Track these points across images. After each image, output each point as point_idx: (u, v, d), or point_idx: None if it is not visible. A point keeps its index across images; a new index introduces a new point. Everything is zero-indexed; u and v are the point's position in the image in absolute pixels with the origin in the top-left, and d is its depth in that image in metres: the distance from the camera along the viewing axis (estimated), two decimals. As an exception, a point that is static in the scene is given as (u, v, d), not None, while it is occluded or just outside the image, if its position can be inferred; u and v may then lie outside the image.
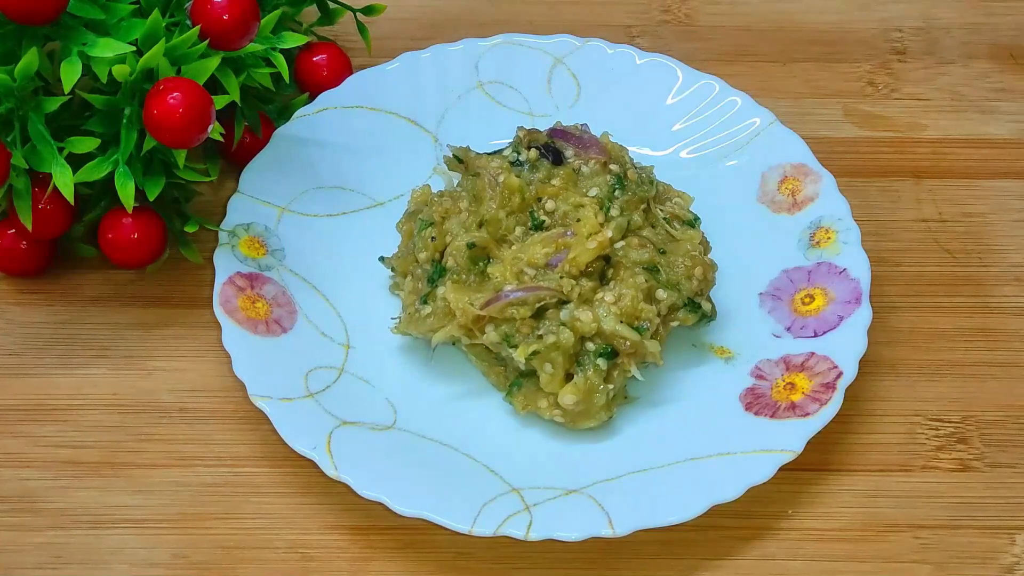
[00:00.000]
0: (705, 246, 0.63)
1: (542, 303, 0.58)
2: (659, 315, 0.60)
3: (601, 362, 0.58)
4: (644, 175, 0.63)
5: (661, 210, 0.63)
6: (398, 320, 0.61)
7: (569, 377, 0.58)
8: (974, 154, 0.71)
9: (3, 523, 0.57)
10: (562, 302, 0.59)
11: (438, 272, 0.61)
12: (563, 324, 0.58)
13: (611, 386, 0.58)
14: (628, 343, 0.58)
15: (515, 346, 0.58)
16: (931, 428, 0.60)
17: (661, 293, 0.60)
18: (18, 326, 0.64)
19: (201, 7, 0.60)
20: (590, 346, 0.58)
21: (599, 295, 0.59)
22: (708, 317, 0.61)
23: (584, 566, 0.56)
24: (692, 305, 0.61)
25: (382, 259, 0.64)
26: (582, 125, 0.65)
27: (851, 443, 0.60)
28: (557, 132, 0.64)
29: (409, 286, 0.62)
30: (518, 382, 0.59)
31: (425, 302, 0.60)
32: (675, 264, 0.61)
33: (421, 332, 0.60)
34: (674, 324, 0.61)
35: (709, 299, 0.61)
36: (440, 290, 0.60)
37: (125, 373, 0.62)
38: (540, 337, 0.58)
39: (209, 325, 0.62)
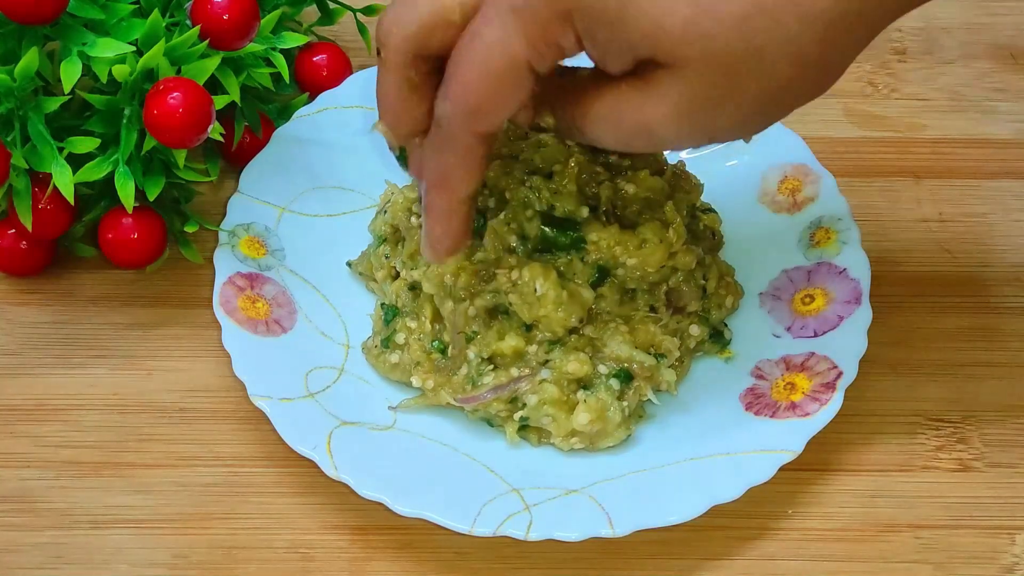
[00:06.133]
0: (728, 268, 0.62)
1: (517, 392, 0.58)
2: (688, 348, 0.60)
3: (614, 382, 0.57)
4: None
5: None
6: (369, 342, 0.61)
7: (574, 405, 0.57)
8: (974, 154, 0.71)
9: (3, 523, 0.57)
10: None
11: (392, 312, 0.60)
12: (544, 381, 0.57)
13: (625, 403, 0.57)
14: (644, 367, 0.58)
15: (500, 426, 0.58)
16: (931, 428, 0.60)
17: (695, 329, 0.60)
18: (18, 326, 0.64)
19: (201, 7, 0.60)
20: (602, 369, 0.58)
21: (612, 325, 0.58)
22: (727, 343, 0.61)
23: (584, 566, 0.56)
24: (717, 335, 0.61)
25: (349, 264, 0.64)
26: None
27: (851, 443, 0.60)
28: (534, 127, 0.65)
29: (377, 311, 0.62)
30: (526, 425, 0.58)
31: (387, 346, 0.60)
32: (711, 291, 0.60)
33: (387, 376, 0.60)
34: (698, 355, 0.61)
35: (726, 324, 0.62)
36: (399, 337, 0.59)
37: (125, 373, 0.62)
38: (524, 406, 0.57)
39: (209, 325, 0.62)
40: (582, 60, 0.50)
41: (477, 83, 0.48)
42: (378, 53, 0.51)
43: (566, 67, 0.52)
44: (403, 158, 0.56)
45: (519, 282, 0.56)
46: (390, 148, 0.58)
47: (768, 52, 0.46)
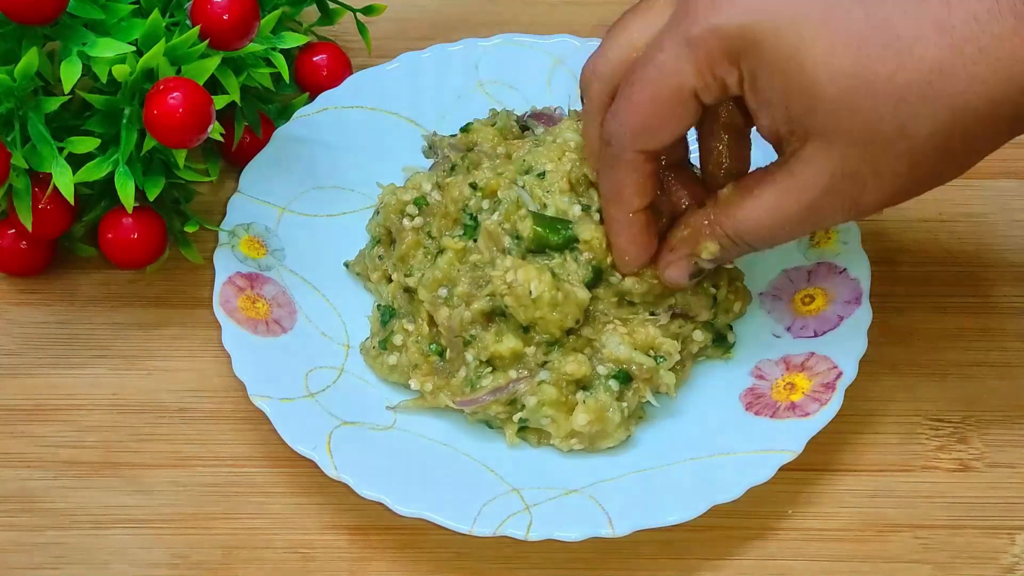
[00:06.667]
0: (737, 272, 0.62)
1: (516, 394, 0.57)
2: (690, 353, 0.60)
3: (613, 383, 0.57)
4: None
5: None
6: (367, 343, 0.61)
7: (573, 406, 0.57)
8: (974, 154, 0.71)
9: (3, 523, 0.57)
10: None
11: (388, 313, 0.60)
12: (542, 383, 0.57)
13: (624, 404, 0.57)
14: (643, 368, 0.57)
15: (499, 428, 0.58)
16: (931, 428, 0.60)
17: (698, 335, 0.60)
18: (18, 326, 0.64)
19: (201, 7, 0.60)
20: (602, 370, 0.58)
21: (611, 326, 0.58)
22: (730, 346, 0.61)
23: (584, 566, 0.56)
24: (720, 339, 0.61)
25: (346, 264, 0.64)
26: (556, 108, 0.65)
27: (851, 443, 0.60)
28: (534, 115, 0.65)
29: (374, 313, 0.62)
30: (526, 426, 0.58)
31: (385, 347, 0.60)
32: (721, 299, 0.60)
33: (385, 377, 0.60)
34: (700, 360, 0.61)
35: (731, 327, 0.62)
36: (397, 339, 0.59)
37: (125, 373, 0.62)
38: (522, 407, 0.57)
39: (209, 325, 0.62)
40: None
41: (646, 104, 0.51)
42: (582, 100, 0.56)
43: (706, 202, 0.55)
44: None
45: (514, 284, 0.56)
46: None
47: (917, 138, 0.48)
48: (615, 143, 0.53)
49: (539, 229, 0.57)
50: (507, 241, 0.58)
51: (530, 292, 0.56)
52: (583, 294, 0.57)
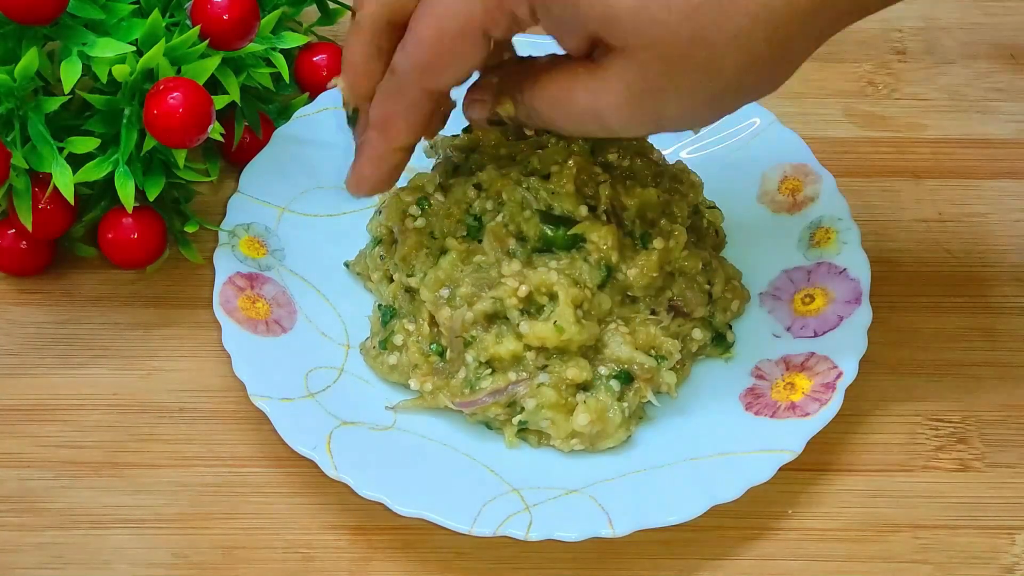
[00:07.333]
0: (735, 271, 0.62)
1: (515, 396, 0.57)
2: (689, 352, 0.60)
3: (614, 383, 0.57)
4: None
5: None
6: (367, 343, 0.61)
7: (573, 408, 0.57)
8: (974, 154, 0.71)
9: (3, 523, 0.57)
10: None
11: (389, 313, 0.60)
12: (542, 385, 0.57)
13: (625, 404, 0.57)
14: (644, 368, 0.57)
15: (498, 429, 0.58)
16: (931, 428, 0.60)
17: (697, 333, 0.60)
18: (18, 326, 0.64)
19: (201, 7, 0.60)
20: (603, 370, 0.58)
21: (612, 326, 0.58)
22: (729, 345, 0.61)
23: (584, 566, 0.56)
24: (719, 338, 0.61)
25: (347, 264, 0.64)
26: None
27: (851, 443, 0.60)
28: None
29: (374, 312, 0.62)
30: (526, 427, 0.58)
31: (385, 347, 0.60)
32: (717, 295, 0.60)
33: (385, 377, 0.60)
34: (700, 358, 0.61)
35: (730, 326, 0.62)
36: (397, 339, 0.59)
37: (125, 373, 0.62)
38: (522, 409, 0.57)
39: (209, 325, 0.62)
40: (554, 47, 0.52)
41: (432, 40, 0.50)
42: (352, 14, 0.54)
43: (526, 56, 0.54)
44: (354, 118, 0.58)
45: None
46: (343, 105, 0.59)
47: (716, 45, 0.47)
48: (400, 76, 0.52)
49: (546, 228, 0.57)
50: (512, 243, 0.58)
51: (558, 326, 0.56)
52: (606, 304, 0.57)
